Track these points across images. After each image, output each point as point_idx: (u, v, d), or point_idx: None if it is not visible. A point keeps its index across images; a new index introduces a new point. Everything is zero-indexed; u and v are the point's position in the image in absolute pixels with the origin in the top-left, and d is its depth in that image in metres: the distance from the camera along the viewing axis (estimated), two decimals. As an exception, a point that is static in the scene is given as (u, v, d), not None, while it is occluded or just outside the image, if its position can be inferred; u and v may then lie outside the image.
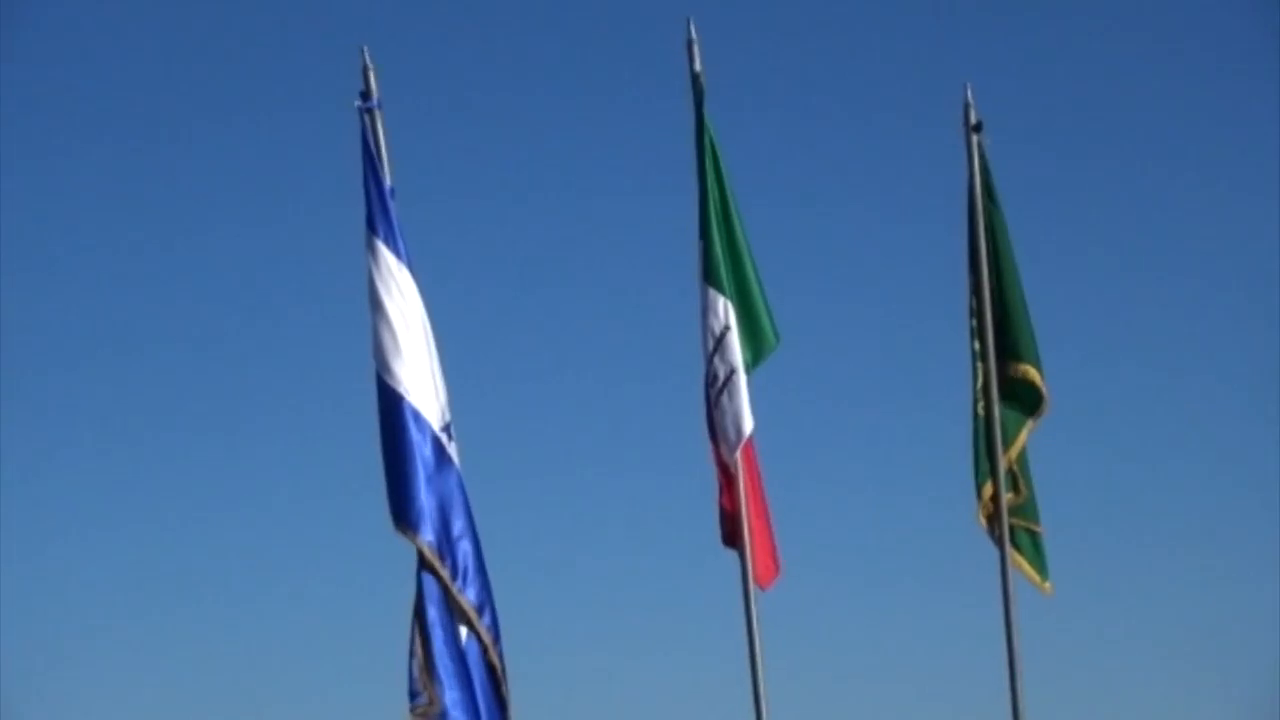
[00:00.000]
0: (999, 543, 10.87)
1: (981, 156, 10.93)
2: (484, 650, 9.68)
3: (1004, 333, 10.98)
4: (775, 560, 10.53)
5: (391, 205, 9.91)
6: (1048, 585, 11.06)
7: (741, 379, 10.11)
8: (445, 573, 9.59)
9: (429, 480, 9.76)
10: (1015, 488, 10.98)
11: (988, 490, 10.92)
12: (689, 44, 10.26)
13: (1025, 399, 11.10)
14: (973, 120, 10.82)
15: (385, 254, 9.84)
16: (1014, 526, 10.94)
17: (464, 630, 9.68)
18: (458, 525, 9.82)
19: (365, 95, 9.81)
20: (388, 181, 9.91)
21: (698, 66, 10.20)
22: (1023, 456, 11.11)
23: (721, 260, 10.29)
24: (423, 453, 9.77)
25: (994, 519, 10.93)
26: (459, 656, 9.63)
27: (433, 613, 9.56)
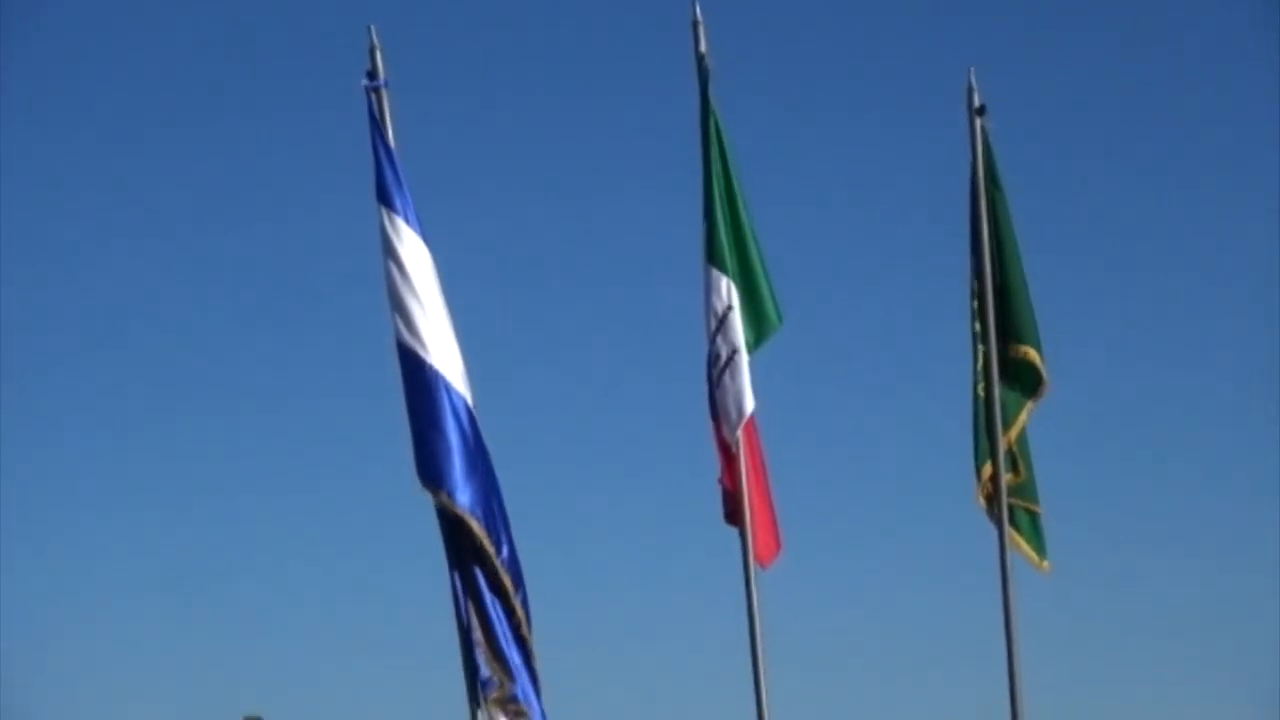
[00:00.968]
0: (998, 522, 10.92)
1: (985, 140, 10.99)
2: (516, 626, 9.70)
3: (1004, 315, 11.03)
4: (776, 538, 10.62)
5: (402, 176, 9.98)
6: (1045, 564, 11.15)
7: (744, 359, 10.19)
8: (479, 527, 9.62)
9: (451, 427, 9.85)
10: (1014, 468, 11.05)
11: (987, 470, 10.99)
12: (694, 25, 10.30)
13: (1025, 380, 11.14)
14: (976, 104, 10.87)
15: (399, 224, 9.94)
16: (1013, 506, 11.01)
17: (496, 595, 9.73)
18: (481, 475, 9.87)
19: (372, 74, 9.89)
20: (393, 148, 10.00)
21: (703, 47, 10.23)
22: (1022, 437, 11.17)
23: (725, 241, 10.35)
24: (441, 403, 9.88)
25: (993, 499, 10.98)
26: (512, 639, 9.70)
27: (485, 591, 9.62)
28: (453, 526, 9.78)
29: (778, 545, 10.65)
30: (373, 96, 10.01)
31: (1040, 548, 11.11)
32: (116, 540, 24.52)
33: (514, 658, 9.90)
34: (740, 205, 10.49)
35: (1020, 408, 11.11)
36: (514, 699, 9.76)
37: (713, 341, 10.31)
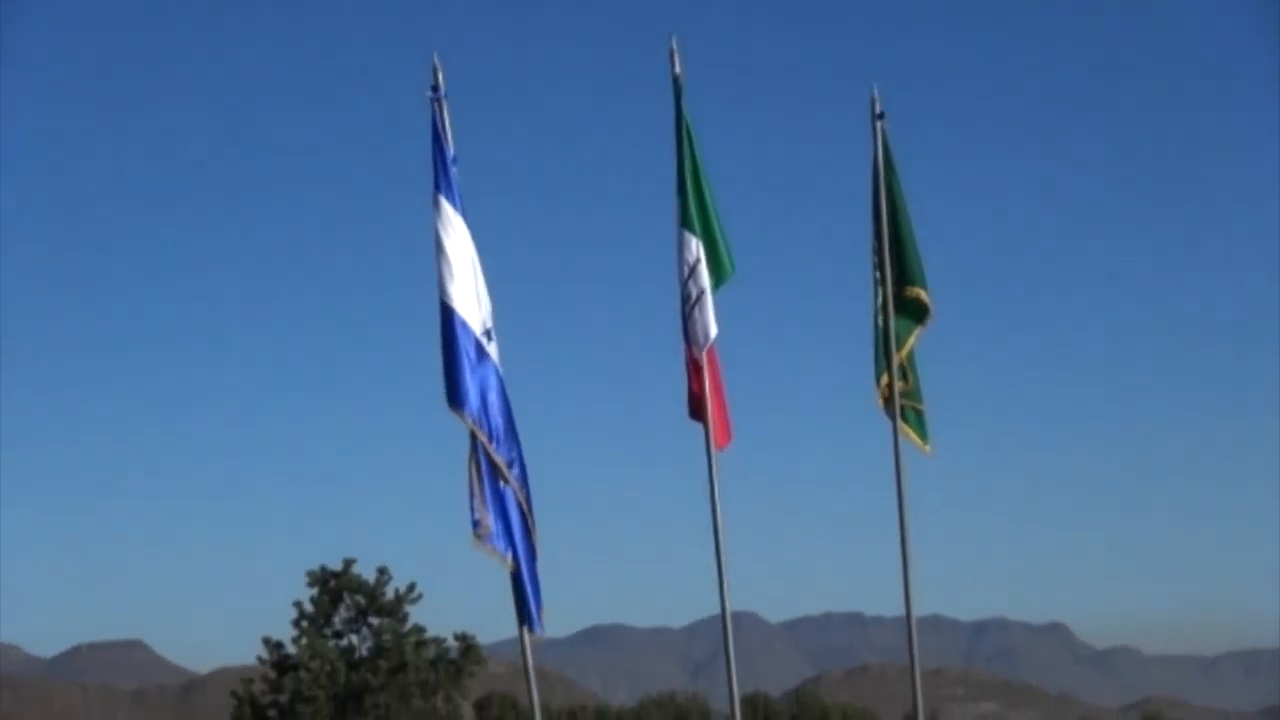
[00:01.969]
0: (892, 417, 12.31)
1: (883, 137, 12.33)
2: (514, 492, 11.39)
3: (899, 264, 12.28)
4: (728, 430, 11.90)
5: (453, 170, 11.42)
6: (928, 447, 12.47)
7: (708, 298, 11.54)
8: (484, 436, 11.26)
9: (472, 371, 11.29)
10: (905, 378, 12.37)
11: (884, 380, 12.33)
12: (670, 54, 11.68)
13: (915, 312, 12.39)
14: (877, 111, 12.32)
15: (446, 206, 11.41)
16: (903, 406, 12.33)
17: (500, 480, 11.35)
18: (493, 401, 11.37)
19: (435, 88, 11.47)
20: (450, 151, 11.45)
21: (677, 69, 11.64)
22: (911, 355, 12.43)
23: (694, 211, 11.61)
24: (468, 351, 11.28)
25: (889, 401, 12.32)
26: (499, 497, 11.35)
27: (483, 464, 11.29)
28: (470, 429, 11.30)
29: (729, 435, 11.85)
30: (435, 105, 11.50)
31: (924, 435, 12.41)
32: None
33: (495, 516, 11.30)
34: (705, 184, 11.64)
35: (910, 333, 12.33)
36: (492, 537, 11.29)
37: (685, 285, 11.58)
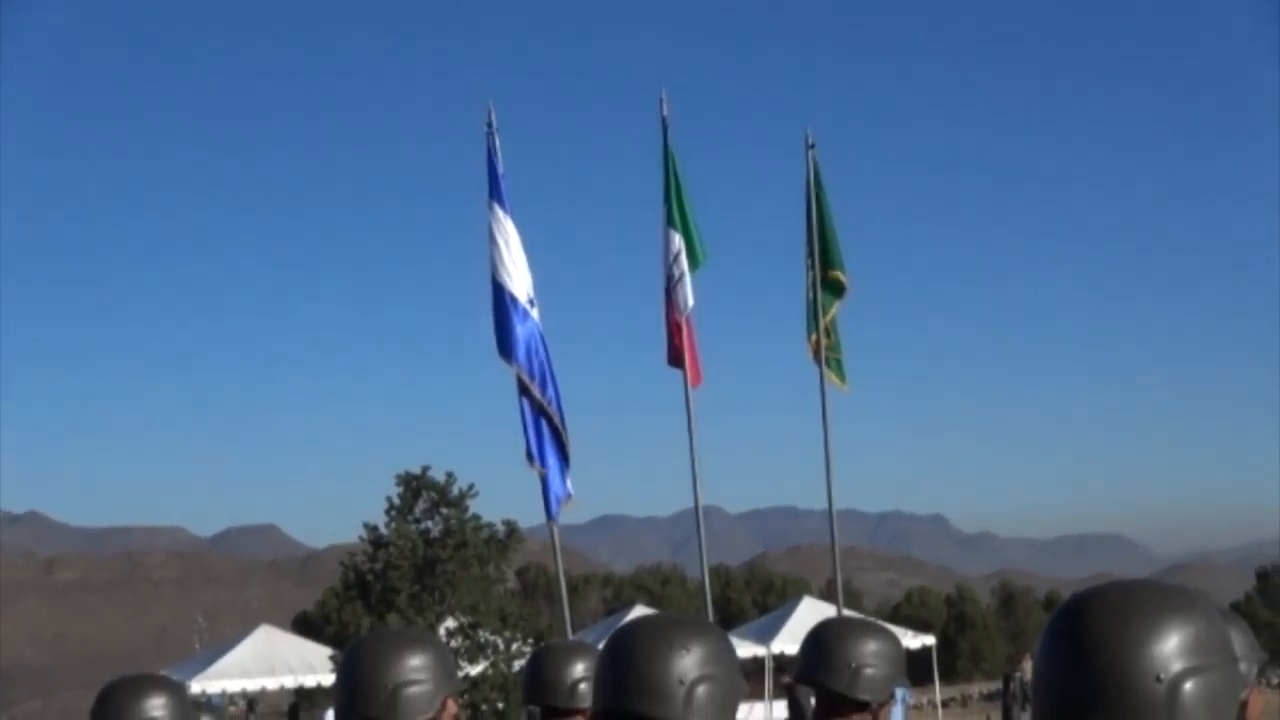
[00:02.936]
0: (821, 364, 12.18)
1: (814, 162, 12.32)
2: (551, 419, 11.15)
3: (825, 254, 12.24)
4: (699, 373, 11.76)
5: (502, 182, 11.30)
6: (845, 386, 12.41)
7: (687, 278, 11.46)
8: (527, 379, 11.07)
9: (518, 330, 11.09)
10: (828, 336, 12.19)
11: (814, 338, 12.22)
12: (660, 101, 11.75)
13: (835, 289, 12.31)
14: (809, 142, 12.32)
15: (497, 209, 11.27)
16: (827, 356, 12.19)
17: (539, 412, 11.13)
18: (535, 352, 11.14)
19: (489, 124, 11.42)
20: (500, 168, 11.33)
21: (666, 113, 11.67)
22: (834, 320, 12.29)
23: (676, 216, 11.56)
24: (514, 316, 11.09)
25: (817, 353, 12.19)
26: (538, 424, 11.14)
27: (527, 401, 11.10)
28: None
29: (700, 377, 11.75)
30: (490, 136, 11.41)
31: (842, 378, 12.32)
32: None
33: (535, 440, 11.10)
34: (685, 197, 11.58)
35: (832, 304, 12.24)
36: (533, 458, 11.13)
37: (669, 269, 11.53)
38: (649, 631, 2.73)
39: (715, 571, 67.20)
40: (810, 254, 12.29)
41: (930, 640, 39.68)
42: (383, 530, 30.27)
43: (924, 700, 39.32)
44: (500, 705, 24.34)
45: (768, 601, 58.23)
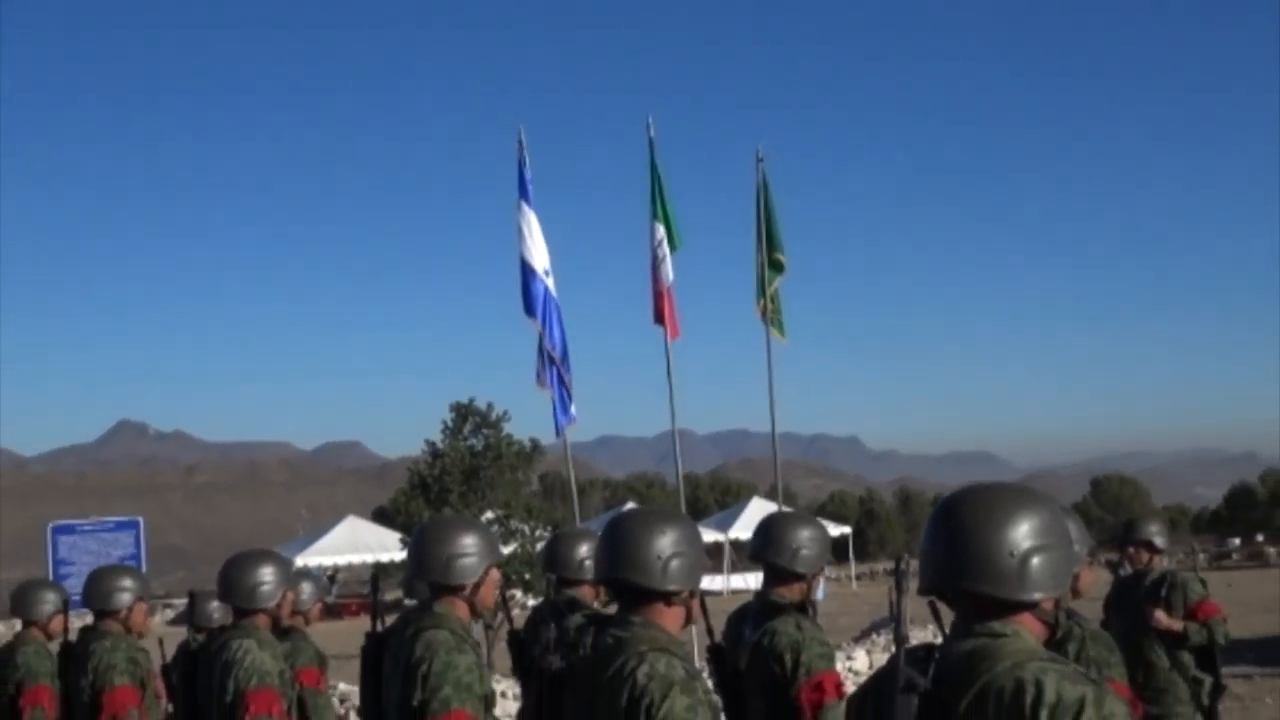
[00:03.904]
0: (766, 323, 12.00)
1: (762, 172, 12.08)
2: (558, 369, 11.04)
3: (770, 240, 12.05)
4: (678, 328, 11.62)
5: (529, 187, 11.19)
6: (784, 339, 12.15)
7: (668, 259, 11.37)
8: (543, 333, 10.96)
9: (537, 291, 11.00)
10: (773, 302, 12.04)
11: (762, 303, 12.03)
12: (647, 127, 11.52)
13: (778, 267, 12.09)
14: (760, 156, 12.06)
15: (524, 206, 11.15)
16: (771, 317, 12.03)
17: (550, 357, 11.03)
18: (551, 312, 11.05)
19: (520, 143, 11.22)
20: (528, 175, 11.20)
21: (652, 134, 11.46)
22: (776, 290, 12.08)
23: (660, 211, 11.43)
24: (535, 282, 11.00)
25: (764, 314, 12.01)
26: (551, 365, 11.04)
27: (544, 349, 11.00)
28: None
29: (678, 331, 11.59)
30: (520, 151, 11.21)
31: (782, 332, 12.08)
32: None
33: (550, 375, 10.96)
34: (668, 198, 11.47)
35: (775, 278, 12.02)
36: (545, 384, 11.02)
37: (655, 251, 11.39)
38: (635, 520, 2.75)
39: (687, 478, 67.09)
40: (759, 241, 12.12)
41: (847, 530, 39.96)
42: (439, 445, 30.34)
43: (842, 575, 39.52)
44: (527, 576, 24.43)
45: (726, 500, 58.22)
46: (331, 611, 28.43)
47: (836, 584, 35.92)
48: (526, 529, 28.31)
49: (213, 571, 4.62)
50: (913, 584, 1.92)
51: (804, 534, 3.76)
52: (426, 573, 3.30)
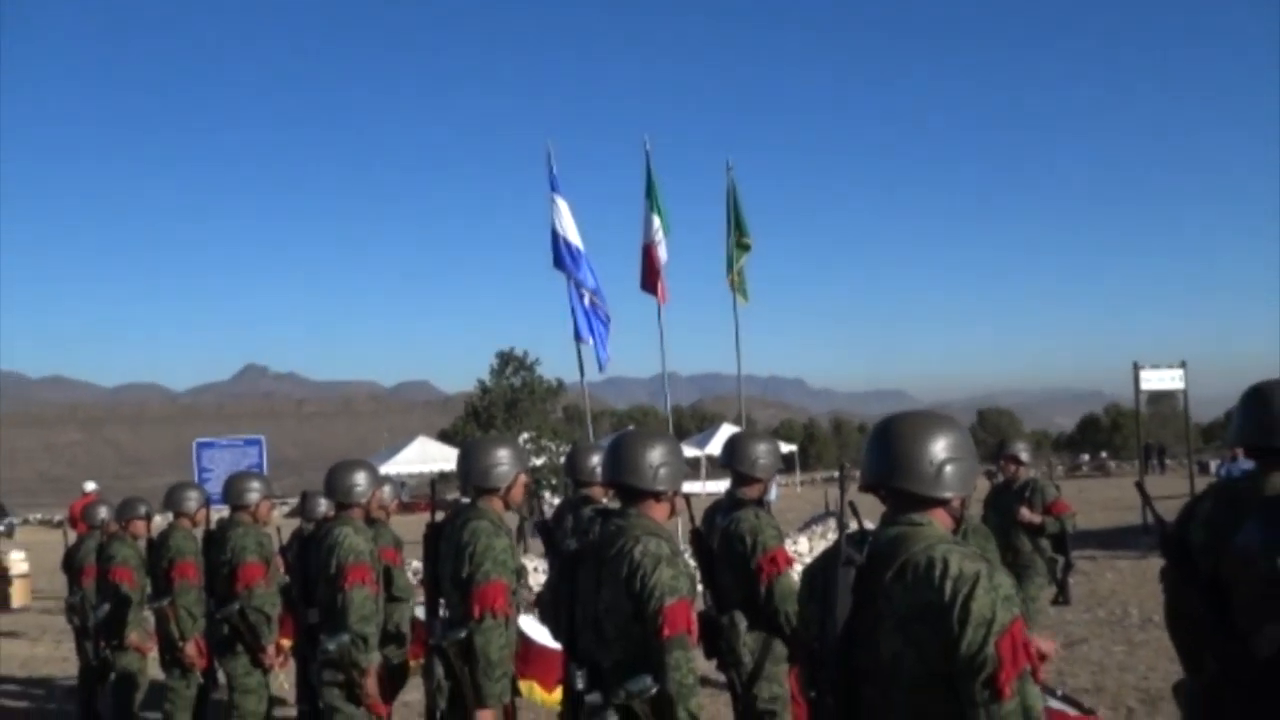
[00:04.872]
0: (734, 290, 11.71)
1: (731, 177, 11.78)
2: (596, 307, 10.70)
3: (738, 227, 11.74)
4: (666, 294, 11.26)
5: (557, 181, 10.79)
6: (747, 302, 11.83)
7: (663, 243, 11.10)
8: (577, 278, 10.60)
9: (568, 251, 10.64)
10: (739, 275, 11.74)
11: (731, 276, 11.75)
12: (644, 144, 11.26)
13: (744, 248, 11.77)
14: (729, 165, 11.81)
15: (555, 195, 10.77)
16: (738, 286, 11.73)
17: (589, 305, 10.71)
18: (581, 263, 10.68)
19: (549, 155, 10.87)
20: (556, 171, 10.82)
21: (649, 148, 11.17)
22: (743, 266, 11.79)
23: (655, 204, 11.14)
24: (566, 245, 10.63)
25: (733, 284, 11.72)
26: (584, 309, 10.69)
27: (575, 295, 10.62)
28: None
29: (666, 298, 11.24)
30: (549, 160, 10.86)
31: (745, 298, 11.77)
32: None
33: (585, 323, 10.52)
34: (660, 195, 11.14)
35: (741, 256, 11.73)
36: (580, 337, 10.55)
37: (650, 236, 11.06)
38: (632, 438, 2.77)
39: (674, 409, 67.43)
40: (729, 228, 11.87)
41: (794, 448, 40.09)
42: (487, 383, 30.42)
43: (790, 482, 39.76)
44: (554, 481, 24.57)
45: (703, 425, 58.31)
46: (406, 507, 28.63)
47: (786, 488, 36.07)
48: (553, 446, 28.52)
49: (318, 477, 4.64)
50: (853, 485, 1.92)
51: (761, 447, 3.79)
52: (471, 478, 3.30)
